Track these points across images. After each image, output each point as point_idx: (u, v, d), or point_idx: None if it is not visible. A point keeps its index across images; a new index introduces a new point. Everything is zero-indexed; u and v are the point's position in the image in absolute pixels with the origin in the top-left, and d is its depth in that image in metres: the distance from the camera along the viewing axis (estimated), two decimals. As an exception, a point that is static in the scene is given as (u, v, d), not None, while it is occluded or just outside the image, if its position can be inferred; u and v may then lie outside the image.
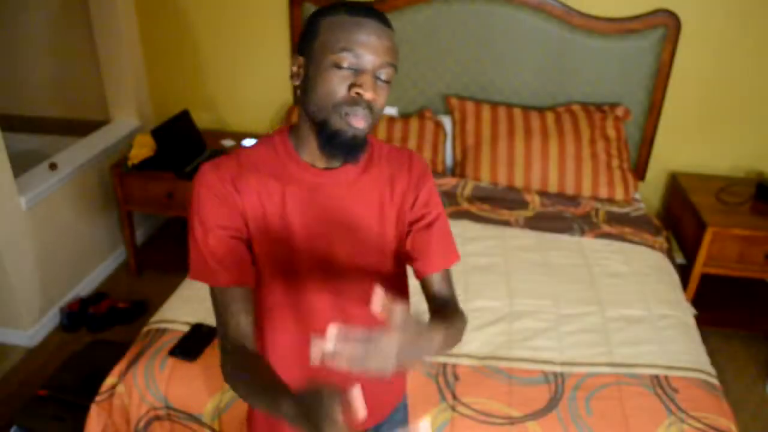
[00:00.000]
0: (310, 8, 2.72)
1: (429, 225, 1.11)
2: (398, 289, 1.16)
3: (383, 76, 0.95)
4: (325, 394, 0.74)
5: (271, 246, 1.03)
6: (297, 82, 1.00)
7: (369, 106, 0.94)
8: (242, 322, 1.02)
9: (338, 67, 0.92)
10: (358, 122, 0.93)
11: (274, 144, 1.05)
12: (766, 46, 2.52)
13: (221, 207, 0.99)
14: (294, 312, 1.09)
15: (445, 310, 1.08)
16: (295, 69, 0.99)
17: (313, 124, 0.98)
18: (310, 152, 1.02)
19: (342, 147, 0.96)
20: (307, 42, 0.97)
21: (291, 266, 1.05)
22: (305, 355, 1.06)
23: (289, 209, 1.02)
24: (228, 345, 1.01)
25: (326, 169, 1.03)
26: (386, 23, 0.96)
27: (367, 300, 1.01)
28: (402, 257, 1.13)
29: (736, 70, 2.58)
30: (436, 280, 1.12)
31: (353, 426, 0.72)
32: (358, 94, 0.92)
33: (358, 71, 0.93)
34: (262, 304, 1.09)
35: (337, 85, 0.93)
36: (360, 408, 0.72)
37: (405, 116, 2.77)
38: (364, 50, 0.92)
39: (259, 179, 1.02)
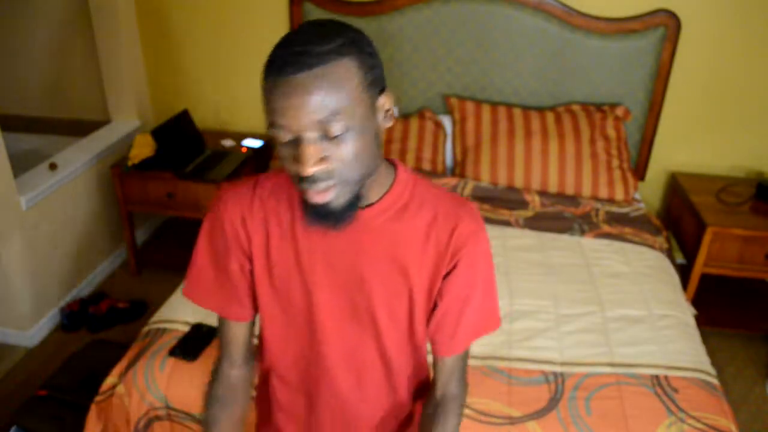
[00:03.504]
0: (310, 8, 2.72)
1: (460, 306, 0.95)
2: (417, 362, 1.04)
3: (330, 133, 0.75)
4: None
5: (277, 289, 0.95)
6: None
7: (326, 175, 0.78)
8: (234, 354, 1.03)
9: (280, 142, 0.78)
10: (318, 197, 0.79)
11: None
12: (766, 47, 2.52)
13: (229, 241, 0.94)
14: (304, 364, 1.02)
15: (437, 419, 0.96)
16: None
17: None
18: None
19: (318, 219, 0.83)
20: None
21: (302, 313, 0.96)
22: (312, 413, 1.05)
23: (303, 255, 0.92)
24: (215, 371, 1.05)
25: None
26: (309, 64, 0.72)
27: (382, 356, 0.98)
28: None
29: (736, 70, 2.57)
30: (446, 368, 0.97)
31: None
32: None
33: (296, 142, 0.77)
34: (267, 356, 1.04)
35: (286, 162, 0.79)
36: None
37: (405, 116, 2.76)
38: (287, 120, 0.74)
39: (274, 214, 0.92)
